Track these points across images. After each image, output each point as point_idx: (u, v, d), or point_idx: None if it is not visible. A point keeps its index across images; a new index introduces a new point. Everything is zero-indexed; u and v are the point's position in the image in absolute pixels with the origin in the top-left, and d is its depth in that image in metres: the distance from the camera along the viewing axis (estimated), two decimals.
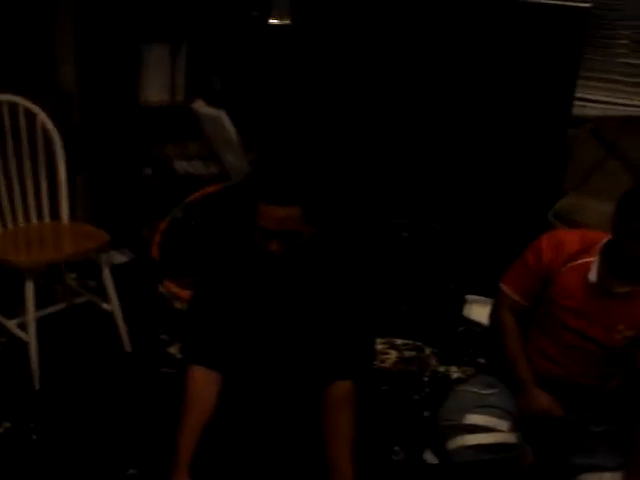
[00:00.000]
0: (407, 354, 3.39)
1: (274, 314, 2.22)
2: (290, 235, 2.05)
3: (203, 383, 2.18)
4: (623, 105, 4.07)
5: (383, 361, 3.31)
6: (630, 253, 2.27)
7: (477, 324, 3.48)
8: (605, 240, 2.39)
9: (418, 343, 3.46)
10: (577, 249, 2.44)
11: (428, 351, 3.41)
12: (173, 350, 3.29)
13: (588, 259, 2.41)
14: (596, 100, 4.10)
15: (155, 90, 4.12)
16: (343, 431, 2.12)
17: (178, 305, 3.62)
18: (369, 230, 3.73)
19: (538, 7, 3.55)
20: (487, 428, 2.40)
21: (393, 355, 3.37)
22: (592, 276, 2.38)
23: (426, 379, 3.20)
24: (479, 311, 3.44)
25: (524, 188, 3.71)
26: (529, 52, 3.62)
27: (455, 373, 3.25)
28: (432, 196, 3.85)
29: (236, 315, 2.22)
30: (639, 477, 2.27)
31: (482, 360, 3.21)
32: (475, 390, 2.52)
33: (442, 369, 3.28)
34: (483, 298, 3.46)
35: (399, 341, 3.47)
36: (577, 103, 3.93)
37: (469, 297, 3.66)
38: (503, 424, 2.41)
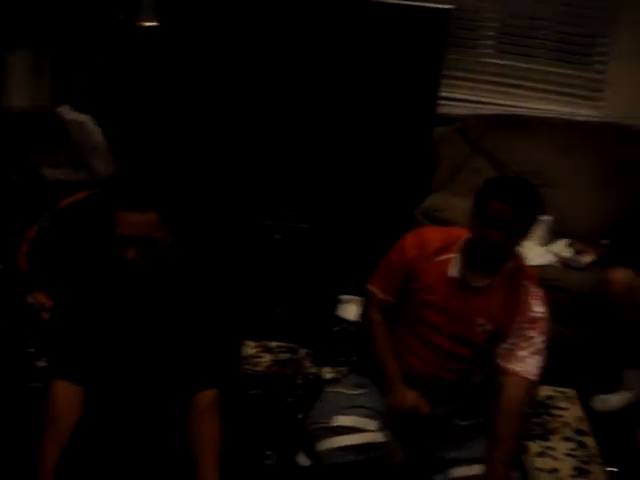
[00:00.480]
0: (281, 357, 3.38)
1: (135, 324, 2.17)
2: (148, 242, 2.02)
3: (64, 397, 2.13)
4: (488, 104, 4.19)
5: (257, 365, 3.30)
6: (487, 240, 2.34)
7: (351, 323, 3.50)
8: (467, 236, 2.46)
9: (292, 345, 3.46)
10: (440, 246, 2.50)
11: (302, 353, 3.41)
12: (41, 363, 3.18)
13: (450, 255, 2.47)
14: (462, 99, 4.21)
15: (19, 96, 3.99)
16: (209, 440, 2.10)
17: (47, 316, 3.51)
18: (239, 234, 3.71)
19: (401, 8, 3.61)
20: (356, 429, 2.41)
21: (267, 358, 3.36)
22: (453, 271, 2.45)
23: (300, 381, 3.21)
24: (353, 310, 3.47)
25: (392, 187, 3.77)
26: (394, 53, 3.67)
27: (329, 374, 3.26)
28: (302, 197, 3.86)
29: (97, 327, 2.17)
30: (498, 469, 2.33)
31: (355, 359, 3.24)
32: (344, 391, 2.54)
33: (316, 370, 3.29)
34: (357, 297, 3.49)
35: (273, 344, 3.46)
36: (443, 102, 4.03)
37: (343, 297, 3.69)
38: (372, 424, 2.43)
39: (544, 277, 3.14)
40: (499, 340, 2.44)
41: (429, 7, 3.61)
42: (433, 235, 2.56)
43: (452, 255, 2.47)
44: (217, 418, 2.12)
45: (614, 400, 3.23)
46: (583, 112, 4.18)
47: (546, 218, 3.49)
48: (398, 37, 3.62)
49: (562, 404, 3.26)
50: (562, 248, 3.44)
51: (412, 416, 2.46)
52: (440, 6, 3.61)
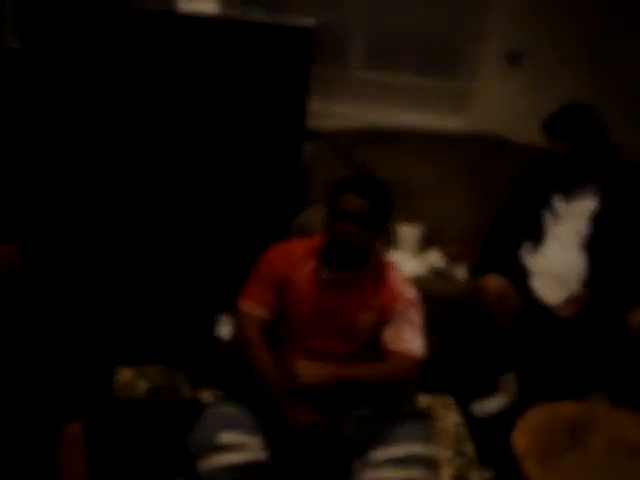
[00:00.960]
0: (158, 381, 3.29)
1: None
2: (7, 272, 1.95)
3: None
4: (358, 117, 4.21)
5: (132, 391, 3.20)
6: (342, 235, 2.43)
7: (229, 343, 3.44)
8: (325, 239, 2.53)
9: (169, 368, 3.37)
10: (303, 253, 2.56)
11: (180, 376, 3.33)
12: None
13: (314, 260, 2.53)
14: (332, 113, 4.21)
15: None
16: (75, 476, 2.02)
17: None
18: (112, 255, 3.60)
19: (266, 27, 3.60)
20: (239, 446, 2.35)
21: (143, 384, 3.26)
22: (320, 274, 2.51)
23: (177, 405, 3.12)
24: (231, 329, 3.41)
25: (266, 204, 3.75)
26: (262, 71, 3.65)
27: (207, 396, 3.19)
28: (177, 216, 3.79)
29: None
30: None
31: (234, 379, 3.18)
32: (226, 410, 2.48)
33: (194, 394, 3.21)
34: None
35: (150, 368, 3.37)
36: (315, 117, 4.03)
37: (220, 316, 3.63)
38: (254, 441, 2.38)
39: (418, 287, 3.19)
40: (382, 327, 2.50)
41: (294, 24, 3.61)
42: (295, 244, 2.64)
43: (316, 260, 2.52)
44: (82, 452, 2.04)
45: (491, 405, 3.30)
46: (452, 123, 4.26)
47: (418, 228, 3.54)
48: (264, 55, 3.61)
49: (441, 411, 3.30)
50: (435, 258, 3.49)
51: (312, 431, 2.41)
52: (304, 23, 3.62)
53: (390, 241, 3.56)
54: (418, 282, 3.23)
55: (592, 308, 3.16)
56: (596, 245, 3.23)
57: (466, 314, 3.26)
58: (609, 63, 4.12)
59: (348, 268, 2.50)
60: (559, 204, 3.29)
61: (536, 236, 3.29)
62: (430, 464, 2.40)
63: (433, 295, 3.28)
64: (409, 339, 2.49)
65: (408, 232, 3.52)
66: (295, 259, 2.54)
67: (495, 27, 4.11)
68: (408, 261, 3.41)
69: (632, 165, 3.38)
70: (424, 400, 3.31)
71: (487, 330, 3.20)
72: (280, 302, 2.53)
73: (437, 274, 3.45)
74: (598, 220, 3.23)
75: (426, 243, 3.59)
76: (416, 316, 2.54)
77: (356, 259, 2.51)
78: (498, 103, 4.18)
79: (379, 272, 2.55)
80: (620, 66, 4.13)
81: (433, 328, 3.28)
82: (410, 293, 2.58)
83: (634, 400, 3.07)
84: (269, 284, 2.52)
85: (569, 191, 3.27)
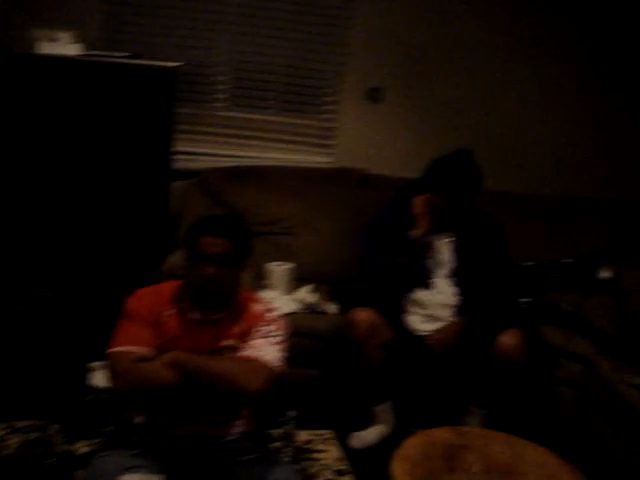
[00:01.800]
0: (31, 436, 3.18)
1: None
2: None
3: None
4: (227, 156, 4.25)
5: (4, 448, 3.08)
6: (204, 278, 2.42)
7: (104, 391, 3.36)
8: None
9: (42, 422, 3.26)
10: (171, 295, 2.54)
11: (54, 429, 3.23)
12: None
13: (182, 302, 2.52)
14: (200, 153, 4.24)
15: None
16: None
17: None
18: None
19: (130, 68, 3.58)
20: None
21: (15, 440, 3.15)
22: (188, 316, 2.50)
23: (52, 460, 3.02)
24: (104, 377, 3.34)
25: (134, 248, 3.70)
26: (128, 112, 3.61)
27: (84, 448, 3.11)
28: (40, 264, 3.69)
29: None
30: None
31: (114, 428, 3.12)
32: (121, 453, 2.42)
33: (68, 446, 3.12)
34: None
35: (22, 423, 3.25)
36: (181, 157, 4.03)
37: (93, 364, 3.54)
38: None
39: (291, 325, 3.22)
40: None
41: (157, 65, 3.61)
42: (162, 286, 2.61)
43: (183, 301, 2.51)
44: None
45: (369, 436, 3.35)
46: (318, 159, 4.37)
47: (289, 266, 3.57)
48: (129, 96, 3.58)
49: (321, 447, 3.32)
50: (307, 294, 3.53)
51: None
52: (168, 64, 3.62)
53: (262, 280, 3.58)
54: (291, 320, 3.28)
55: (463, 335, 3.28)
56: (462, 276, 3.36)
57: (339, 348, 3.31)
58: (461, 98, 4.34)
59: (215, 307, 2.52)
60: (428, 240, 3.40)
61: (406, 270, 3.38)
62: None
63: (306, 332, 3.34)
64: (265, 351, 2.49)
65: (279, 271, 3.55)
66: (163, 301, 2.53)
67: (355, 65, 4.25)
68: (280, 299, 3.44)
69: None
70: (304, 436, 3.34)
71: (359, 362, 3.26)
72: (154, 342, 2.49)
73: (310, 310, 3.49)
74: (460, 251, 3.36)
75: (298, 279, 3.63)
76: (273, 329, 2.55)
77: (222, 298, 2.53)
78: (360, 138, 4.32)
79: (245, 306, 2.58)
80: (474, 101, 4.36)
81: (308, 364, 3.36)
82: (271, 315, 2.60)
83: (505, 420, 3.20)
84: (142, 323, 2.48)
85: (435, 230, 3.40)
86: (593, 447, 3.38)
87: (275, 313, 2.65)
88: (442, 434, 3.05)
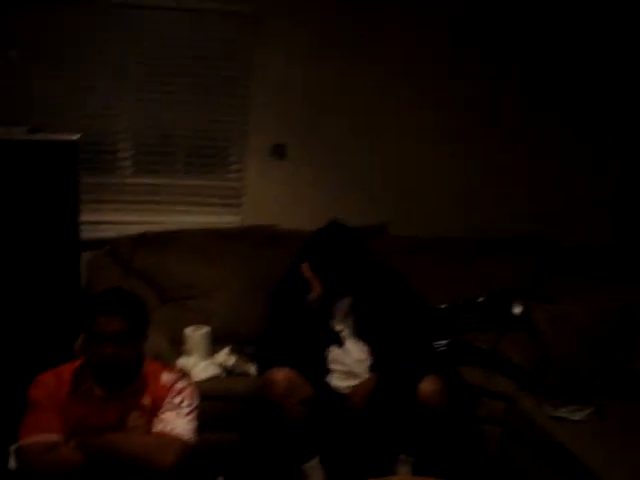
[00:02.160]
0: None
1: None
2: None
3: None
4: (135, 223, 4.20)
5: None
6: (104, 358, 2.42)
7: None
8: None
9: None
10: (72, 378, 2.53)
11: None
12: None
13: (85, 383, 2.52)
14: (108, 221, 4.18)
15: None
16: None
17: None
18: None
19: (30, 144, 3.57)
20: None
21: None
22: (94, 394, 2.50)
23: None
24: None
25: (48, 325, 3.63)
26: (32, 188, 3.59)
27: None
28: None
29: None
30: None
31: None
32: None
33: None
34: None
35: None
36: (89, 228, 3.97)
37: (12, 447, 3.42)
38: None
39: (211, 389, 3.20)
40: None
41: (57, 139, 3.60)
42: (66, 367, 2.59)
43: (88, 380, 2.51)
44: None
45: None
46: (228, 219, 4.36)
47: (205, 330, 3.54)
48: (31, 171, 3.55)
49: None
50: (225, 357, 3.49)
51: None
52: (68, 137, 3.61)
53: (180, 346, 3.53)
54: (209, 384, 3.26)
55: (378, 390, 3.29)
56: (368, 333, 3.39)
57: (259, 409, 3.28)
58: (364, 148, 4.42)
59: (120, 384, 2.51)
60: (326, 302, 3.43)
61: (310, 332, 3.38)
62: None
63: (226, 394, 3.32)
64: (176, 424, 2.50)
65: (196, 335, 3.51)
66: (64, 384, 2.51)
67: (258, 123, 4.28)
68: (199, 364, 3.39)
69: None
70: None
71: (280, 422, 3.23)
72: (61, 426, 2.47)
73: (229, 373, 3.45)
74: (361, 311, 3.40)
75: (216, 343, 3.59)
76: (184, 400, 2.55)
77: (125, 375, 2.52)
78: (268, 195, 4.35)
79: (151, 374, 2.58)
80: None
81: (229, 427, 3.33)
82: (181, 384, 2.60)
83: (434, 465, 3.22)
84: (47, 410, 2.47)
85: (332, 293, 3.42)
86: None
87: (184, 382, 2.63)
88: None
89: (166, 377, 2.60)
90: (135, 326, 2.48)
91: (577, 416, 3.23)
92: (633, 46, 4.52)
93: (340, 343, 3.39)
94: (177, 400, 2.55)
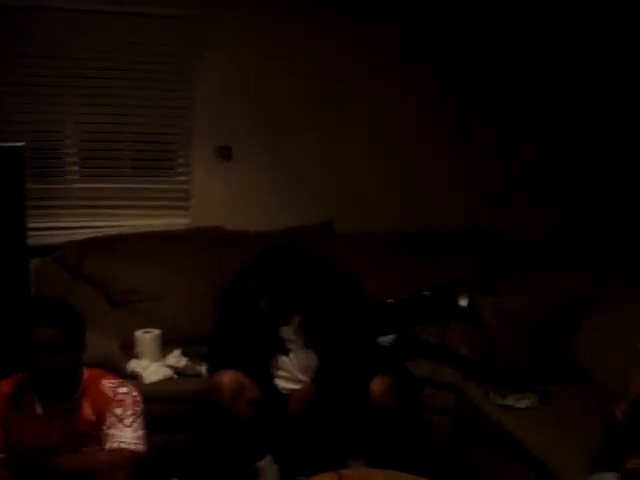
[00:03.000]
0: None
1: None
2: None
3: None
4: (84, 228, 4.20)
5: None
6: (40, 369, 2.41)
7: None
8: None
9: None
10: (12, 395, 2.51)
11: None
12: None
13: (26, 399, 2.50)
14: (58, 227, 4.17)
15: None
16: None
17: None
18: None
19: None
20: None
21: None
22: (36, 410, 2.49)
23: None
24: None
25: None
26: None
27: None
28: None
29: None
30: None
31: None
32: None
33: None
34: None
35: None
36: (39, 233, 3.96)
37: None
38: None
39: (162, 391, 3.22)
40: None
41: (1, 147, 3.57)
42: (6, 381, 2.56)
43: (29, 395, 2.50)
44: None
45: None
46: (176, 221, 4.37)
47: (156, 332, 3.55)
48: None
49: None
50: (176, 359, 3.51)
51: None
52: (12, 144, 3.59)
53: (132, 349, 3.54)
54: (160, 386, 3.27)
55: (322, 394, 3.34)
56: (316, 343, 3.41)
57: (210, 409, 3.30)
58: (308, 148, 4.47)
59: (59, 397, 2.50)
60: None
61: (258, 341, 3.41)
62: None
63: (176, 396, 3.35)
64: (121, 437, 2.50)
65: (147, 338, 3.52)
66: (4, 401, 2.49)
67: (203, 124, 4.30)
68: (150, 367, 3.41)
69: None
70: None
71: (229, 422, 3.26)
72: (3, 446, 2.47)
73: (179, 375, 3.48)
74: (310, 325, 3.40)
75: (166, 345, 3.61)
76: (125, 410, 2.55)
77: (63, 386, 2.51)
78: (215, 197, 4.36)
79: (91, 384, 2.56)
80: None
81: (179, 428, 3.35)
82: (121, 391, 2.59)
83: (386, 458, 3.27)
84: None
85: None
86: (471, 471, 3.50)
87: (124, 389, 2.62)
88: None
89: (106, 386, 2.59)
90: (70, 336, 2.46)
91: (523, 404, 3.32)
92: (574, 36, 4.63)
93: (287, 351, 3.41)
94: (119, 411, 2.54)
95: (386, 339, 3.67)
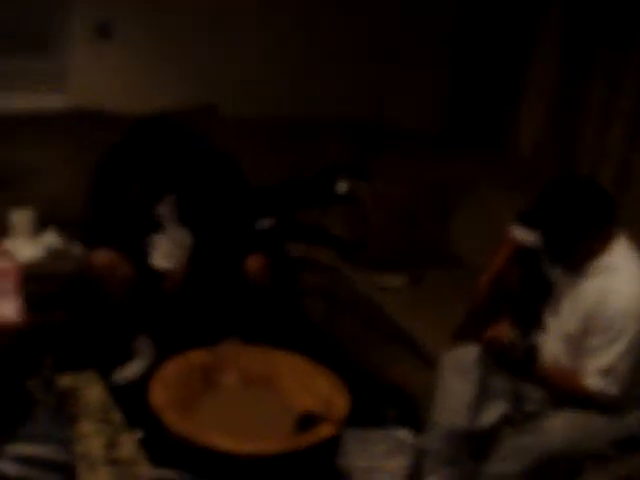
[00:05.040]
0: None
1: None
2: None
3: None
4: None
5: None
6: None
7: None
8: None
9: None
10: None
11: None
12: None
13: None
14: None
15: None
16: None
17: None
18: None
19: None
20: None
21: None
22: None
23: None
24: None
25: None
26: None
27: None
28: None
29: None
30: None
31: None
32: None
33: None
34: None
35: None
36: None
37: None
38: None
39: (38, 270, 3.19)
40: None
41: None
42: None
43: None
44: None
45: (130, 371, 3.38)
46: (51, 101, 4.16)
47: (30, 211, 3.49)
48: None
49: (84, 387, 3.32)
50: (51, 238, 3.47)
51: None
52: None
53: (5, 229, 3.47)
54: (35, 265, 3.24)
55: (197, 273, 3.38)
56: (191, 220, 3.42)
57: (85, 288, 3.31)
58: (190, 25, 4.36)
59: None
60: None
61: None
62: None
63: (52, 275, 3.32)
64: (1, 306, 2.53)
65: (20, 217, 3.46)
66: None
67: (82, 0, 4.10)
68: (24, 246, 3.36)
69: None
70: (66, 380, 3.31)
71: (102, 301, 3.28)
72: None
73: (54, 254, 3.44)
74: (184, 203, 3.40)
75: (41, 225, 3.55)
76: (7, 283, 2.58)
77: None
78: (94, 76, 4.20)
79: None
80: None
81: (55, 307, 3.34)
82: (2, 263, 2.62)
83: (260, 338, 3.36)
84: None
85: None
86: (345, 350, 3.63)
87: (4, 262, 2.60)
88: (198, 356, 3.18)
89: None
90: None
91: (395, 283, 3.46)
92: None
93: (162, 230, 3.40)
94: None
95: (265, 222, 3.70)
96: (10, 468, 2.36)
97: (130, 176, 3.29)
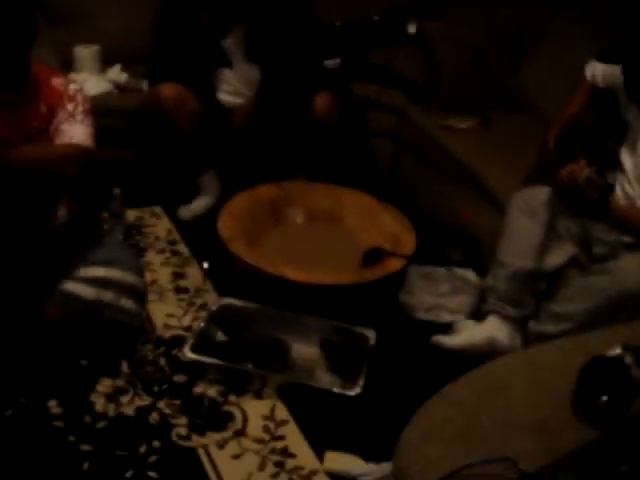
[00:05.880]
0: None
1: None
2: None
3: None
4: None
5: None
6: None
7: None
8: None
9: None
10: None
11: None
12: None
13: None
14: None
15: None
16: None
17: None
18: None
19: None
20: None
21: None
22: None
23: None
24: None
25: None
26: None
27: None
28: None
29: None
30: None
31: None
32: None
33: None
34: None
35: None
36: None
37: None
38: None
39: (103, 105, 3.17)
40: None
41: None
42: None
43: None
44: None
45: (196, 206, 3.42)
46: None
47: (95, 47, 3.46)
48: None
49: (151, 221, 3.38)
50: (116, 74, 3.44)
51: None
52: None
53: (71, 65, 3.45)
54: (101, 100, 3.22)
55: (266, 109, 3.32)
56: (261, 55, 3.34)
57: (150, 124, 3.30)
58: None
59: (7, 87, 2.43)
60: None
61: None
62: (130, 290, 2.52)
63: (118, 110, 3.32)
64: (73, 132, 2.50)
65: (85, 53, 3.42)
66: None
67: None
68: (90, 80, 3.33)
69: None
70: (133, 214, 3.37)
71: (170, 136, 3.27)
72: None
73: (119, 90, 3.43)
74: (253, 36, 3.30)
75: (106, 61, 3.51)
76: (79, 109, 2.54)
77: (11, 76, 2.43)
78: None
79: (41, 79, 2.52)
80: None
81: (122, 143, 3.35)
82: (72, 89, 2.57)
83: (327, 178, 3.34)
84: None
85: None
86: (410, 191, 3.60)
87: (75, 86, 2.60)
88: (266, 190, 3.18)
89: (57, 81, 2.56)
90: (17, 26, 2.33)
91: (464, 125, 3.37)
92: None
93: (230, 64, 3.34)
94: (70, 107, 2.52)
95: (332, 62, 3.61)
96: (83, 290, 2.42)
97: (199, 4, 3.21)
